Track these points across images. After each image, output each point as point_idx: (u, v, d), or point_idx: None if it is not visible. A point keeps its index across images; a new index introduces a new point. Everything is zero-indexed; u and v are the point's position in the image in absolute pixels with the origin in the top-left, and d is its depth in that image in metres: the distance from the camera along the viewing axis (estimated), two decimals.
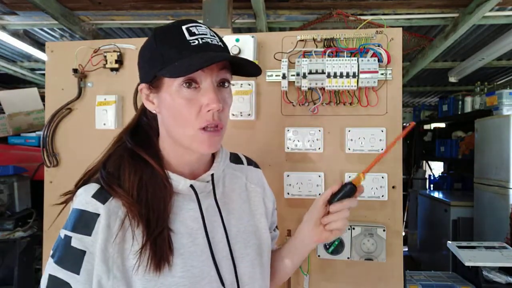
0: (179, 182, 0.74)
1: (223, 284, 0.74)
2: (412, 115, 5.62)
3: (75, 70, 1.58)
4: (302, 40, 1.49)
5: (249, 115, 1.49)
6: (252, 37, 1.45)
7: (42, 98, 2.53)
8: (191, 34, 0.69)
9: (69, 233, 0.67)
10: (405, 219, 5.03)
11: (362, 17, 2.63)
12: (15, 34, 3.19)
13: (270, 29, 2.93)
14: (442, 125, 5.17)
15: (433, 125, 5.35)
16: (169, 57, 0.67)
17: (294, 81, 1.46)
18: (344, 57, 1.43)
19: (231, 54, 0.78)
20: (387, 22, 2.71)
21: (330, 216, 0.81)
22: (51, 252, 0.68)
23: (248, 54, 1.45)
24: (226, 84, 0.73)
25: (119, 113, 1.58)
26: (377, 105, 1.46)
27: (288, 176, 1.49)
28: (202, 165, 0.80)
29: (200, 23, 0.72)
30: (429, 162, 5.67)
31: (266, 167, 1.51)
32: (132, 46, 1.59)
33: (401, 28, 1.47)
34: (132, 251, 0.67)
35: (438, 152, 4.68)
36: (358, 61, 1.40)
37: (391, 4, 2.60)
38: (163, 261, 0.67)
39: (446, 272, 1.95)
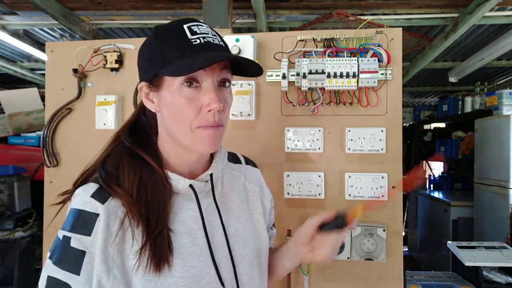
0: (179, 182, 0.74)
1: (222, 284, 0.74)
2: (412, 115, 5.62)
3: (75, 70, 1.58)
4: (302, 40, 1.49)
5: (249, 115, 1.49)
6: (252, 37, 1.45)
7: (42, 98, 2.53)
8: (193, 33, 0.68)
9: (68, 234, 0.66)
10: (405, 219, 5.03)
11: (362, 17, 2.63)
12: (15, 34, 3.19)
13: (270, 29, 2.93)
14: (442, 125, 5.17)
15: (433, 125, 5.35)
16: (170, 55, 0.67)
17: (294, 81, 1.46)
18: (344, 57, 1.43)
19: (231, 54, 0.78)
20: (387, 22, 2.71)
21: (317, 241, 0.82)
22: (49, 253, 0.67)
23: (248, 54, 1.45)
24: (227, 84, 0.72)
25: (119, 113, 1.58)
26: (377, 105, 1.46)
27: (288, 176, 1.49)
28: (201, 165, 0.79)
29: (201, 22, 0.72)
30: (429, 162, 5.67)
31: (266, 167, 1.51)
32: (132, 46, 1.59)
33: (401, 28, 1.47)
34: (132, 251, 0.67)
35: (438, 152, 4.68)
36: (358, 61, 1.40)
37: (391, 4, 2.60)
38: (163, 261, 0.67)
39: (446, 272, 1.94)
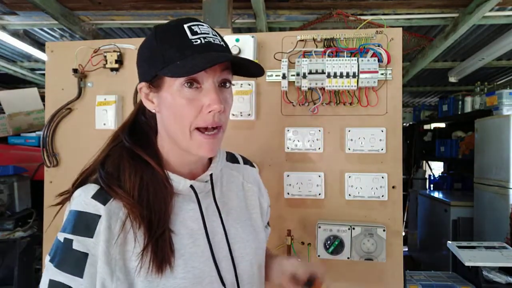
0: (179, 183, 0.73)
1: (223, 284, 0.74)
2: (412, 115, 5.62)
3: (75, 70, 1.58)
4: (302, 40, 1.49)
5: (249, 115, 1.49)
6: (252, 37, 1.45)
7: (42, 98, 2.52)
8: (193, 33, 0.68)
9: (70, 236, 0.65)
10: (405, 219, 5.03)
11: (362, 17, 2.63)
12: (15, 34, 3.19)
13: (270, 29, 2.93)
14: (442, 125, 5.16)
15: (433, 125, 5.35)
16: (170, 56, 0.66)
17: (294, 81, 1.46)
18: (344, 57, 1.43)
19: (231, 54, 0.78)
20: (387, 22, 2.71)
21: None
22: (49, 257, 0.66)
23: (248, 54, 1.45)
24: (228, 84, 0.72)
25: (119, 113, 1.58)
26: (377, 105, 1.46)
27: (288, 176, 1.49)
28: (201, 165, 0.79)
29: (201, 21, 0.71)
30: (429, 162, 5.67)
31: (266, 167, 1.51)
32: (132, 46, 1.59)
33: (401, 28, 1.47)
34: (134, 253, 0.66)
35: (438, 152, 4.68)
36: (358, 61, 1.40)
37: (391, 4, 2.60)
38: (165, 262, 0.67)
39: (446, 272, 1.94)
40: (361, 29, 1.48)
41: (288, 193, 1.49)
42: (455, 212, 3.53)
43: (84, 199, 0.67)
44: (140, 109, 0.80)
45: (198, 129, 0.69)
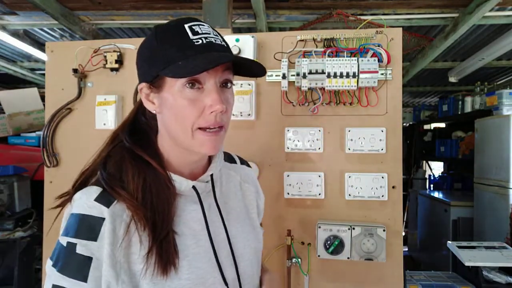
0: (181, 183, 0.73)
1: (226, 284, 0.74)
2: (412, 115, 5.61)
3: (75, 70, 1.58)
4: (302, 40, 1.49)
5: (249, 115, 1.49)
6: (252, 37, 1.45)
7: (42, 98, 2.52)
8: (195, 33, 0.67)
9: (73, 240, 0.64)
10: (405, 219, 5.03)
11: (362, 17, 2.62)
12: (15, 34, 3.19)
13: (270, 29, 2.93)
14: (442, 125, 5.16)
15: (433, 125, 5.35)
16: (172, 56, 0.66)
17: (294, 81, 1.46)
18: (344, 57, 1.43)
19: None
20: (387, 22, 2.71)
21: None
22: (51, 261, 0.65)
23: (248, 54, 1.45)
24: (229, 84, 0.72)
25: (119, 113, 1.58)
26: (377, 105, 1.46)
27: (288, 176, 1.49)
28: (201, 165, 0.79)
29: (202, 21, 0.71)
30: (429, 162, 5.67)
31: (266, 167, 1.52)
32: (132, 46, 1.59)
33: (401, 28, 1.47)
34: (139, 255, 0.66)
35: (438, 152, 4.68)
36: (358, 61, 1.40)
37: (391, 4, 2.60)
38: (169, 264, 0.66)
39: (446, 272, 1.94)
40: (361, 29, 1.48)
41: (288, 193, 1.49)
42: (455, 212, 3.53)
43: (86, 202, 0.66)
44: (140, 109, 0.79)
45: (200, 128, 0.69)
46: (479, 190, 3.29)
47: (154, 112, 0.74)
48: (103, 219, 0.65)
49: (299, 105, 1.49)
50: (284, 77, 1.45)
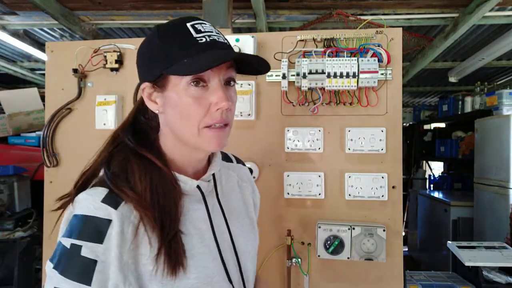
0: (186, 183, 0.73)
1: (231, 282, 0.75)
2: (412, 115, 5.61)
3: (75, 70, 1.58)
4: (302, 40, 1.49)
5: (249, 115, 1.49)
6: (252, 37, 1.45)
7: (42, 98, 2.52)
8: (197, 31, 0.67)
9: (78, 242, 0.62)
10: (405, 219, 5.03)
11: (362, 17, 2.62)
12: (15, 34, 3.19)
13: (270, 29, 2.93)
14: (442, 125, 5.16)
15: (433, 125, 5.35)
16: (175, 55, 0.65)
17: (294, 81, 1.46)
18: (344, 57, 1.43)
19: None
20: (387, 22, 2.71)
21: None
22: (51, 263, 0.63)
23: None
24: (232, 82, 0.72)
25: (119, 113, 1.58)
26: (377, 105, 1.46)
27: (288, 176, 1.49)
28: (203, 164, 0.79)
29: (203, 20, 0.71)
30: (429, 162, 5.67)
31: (266, 167, 1.52)
32: (132, 46, 1.59)
33: (401, 28, 1.47)
34: (149, 256, 0.65)
35: (438, 152, 4.68)
36: (358, 61, 1.40)
37: (391, 4, 2.60)
38: (178, 264, 0.66)
39: (446, 272, 1.94)
40: (361, 29, 1.48)
41: (288, 193, 1.49)
42: (455, 212, 3.53)
43: (92, 203, 0.64)
44: (140, 109, 0.79)
45: (206, 126, 0.68)
46: (479, 190, 3.29)
47: (156, 111, 0.73)
48: (110, 221, 0.63)
49: (299, 105, 1.49)
50: (284, 77, 1.45)
